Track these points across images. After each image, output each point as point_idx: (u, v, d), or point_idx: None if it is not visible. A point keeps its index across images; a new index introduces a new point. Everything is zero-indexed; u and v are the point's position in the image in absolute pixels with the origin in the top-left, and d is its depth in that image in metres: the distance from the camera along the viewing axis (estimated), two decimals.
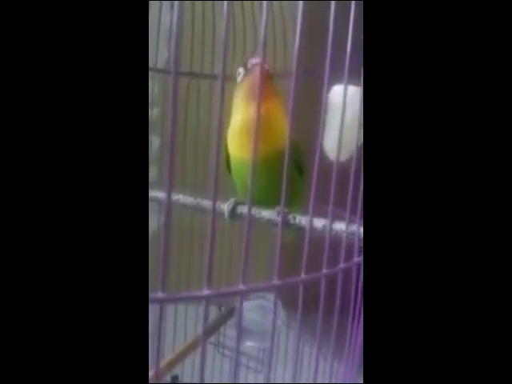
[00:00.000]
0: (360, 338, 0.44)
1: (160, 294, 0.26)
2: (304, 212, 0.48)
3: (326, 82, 0.33)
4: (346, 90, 0.36)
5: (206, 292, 0.27)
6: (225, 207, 0.52)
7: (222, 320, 0.70)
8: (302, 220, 0.46)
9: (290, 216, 0.47)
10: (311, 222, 0.34)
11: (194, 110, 0.84)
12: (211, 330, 0.70)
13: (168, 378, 0.85)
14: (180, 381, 0.87)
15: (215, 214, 0.28)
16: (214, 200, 0.27)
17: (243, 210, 0.52)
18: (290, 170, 0.31)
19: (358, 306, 0.42)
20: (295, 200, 0.44)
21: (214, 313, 0.71)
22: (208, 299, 0.27)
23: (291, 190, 0.32)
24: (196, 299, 0.28)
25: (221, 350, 0.82)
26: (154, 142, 0.85)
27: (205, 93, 0.83)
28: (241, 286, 0.29)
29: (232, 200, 0.53)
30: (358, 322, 0.43)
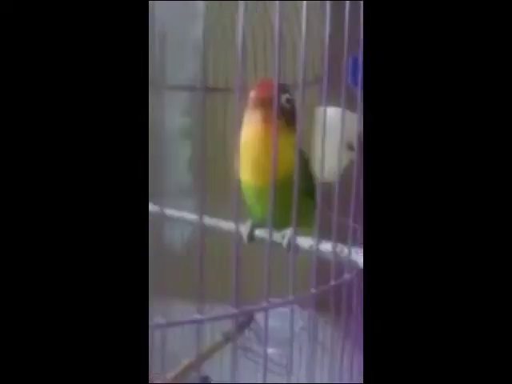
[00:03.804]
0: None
1: (197, 315, 0.31)
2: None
3: (323, 99, 0.35)
4: (343, 111, 0.38)
5: (233, 311, 0.32)
6: (242, 229, 0.51)
7: (240, 329, 0.73)
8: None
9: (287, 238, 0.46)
10: (318, 245, 0.39)
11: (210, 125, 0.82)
12: (228, 338, 0.73)
13: (197, 379, 0.86)
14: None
15: (238, 238, 0.32)
16: (237, 224, 0.31)
17: (257, 232, 0.52)
18: (298, 194, 0.33)
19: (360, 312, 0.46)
20: (305, 221, 0.43)
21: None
22: (237, 317, 0.33)
23: (302, 212, 0.35)
24: (225, 318, 0.33)
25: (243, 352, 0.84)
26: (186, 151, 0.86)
27: (220, 107, 0.81)
28: (264, 303, 0.34)
29: (249, 223, 0.52)
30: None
